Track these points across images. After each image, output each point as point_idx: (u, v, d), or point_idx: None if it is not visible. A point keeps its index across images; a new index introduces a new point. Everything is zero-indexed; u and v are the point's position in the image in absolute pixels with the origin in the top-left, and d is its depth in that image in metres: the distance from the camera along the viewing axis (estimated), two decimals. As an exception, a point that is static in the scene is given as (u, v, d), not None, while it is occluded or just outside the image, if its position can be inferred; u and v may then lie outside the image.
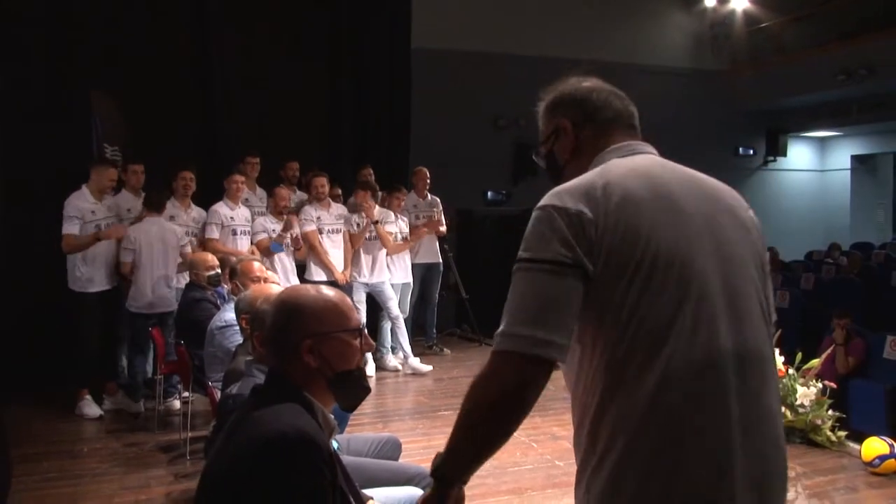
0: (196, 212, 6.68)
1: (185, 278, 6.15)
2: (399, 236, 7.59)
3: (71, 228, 5.89)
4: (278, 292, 2.06)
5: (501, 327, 1.50)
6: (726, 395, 1.46)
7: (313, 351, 1.84)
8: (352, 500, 1.84)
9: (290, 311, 1.89)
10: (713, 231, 1.56)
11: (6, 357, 6.29)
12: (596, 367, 1.50)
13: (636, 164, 1.63)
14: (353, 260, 7.39)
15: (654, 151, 1.76)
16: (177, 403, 5.99)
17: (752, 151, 15.01)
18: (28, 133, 6.92)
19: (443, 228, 8.18)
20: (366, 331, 1.97)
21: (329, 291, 1.96)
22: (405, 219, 7.83)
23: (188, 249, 6.26)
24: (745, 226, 1.66)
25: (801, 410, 5.18)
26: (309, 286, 2.01)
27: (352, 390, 1.92)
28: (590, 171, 1.63)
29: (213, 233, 6.59)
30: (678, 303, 1.45)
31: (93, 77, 7.28)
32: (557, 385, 5.95)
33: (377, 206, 7.41)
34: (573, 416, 1.66)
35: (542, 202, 1.60)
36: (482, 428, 1.55)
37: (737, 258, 1.56)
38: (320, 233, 7.20)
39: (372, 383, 7.03)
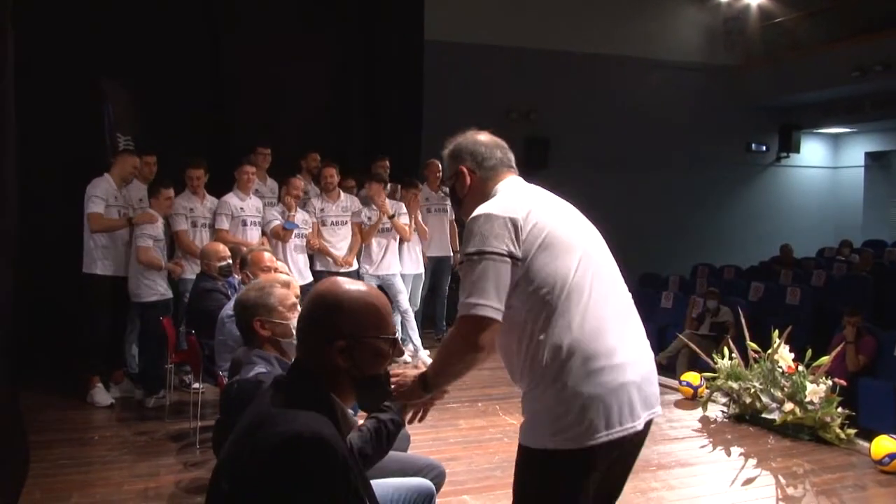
0: (211, 202, 6.72)
1: (196, 268, 6.19)
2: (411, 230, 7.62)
3: (97, 208, 5.96)
4: (318, 283, 2.00)
5: (469, 299, 2.09)
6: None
7: (345, 352, 1.79)
8: (367, 500, 1.82)
9: (329, 306, 1.83)
10: (580, 223, 2.36)
11: (18, 344, 6.33)
12: (536, 316, 2.10)
13: (527, 189, 2.36)
14: (363, 252, 7.41)
15: (522, 180, 2.43)
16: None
17: (764, 148, 14.94)
18: (41, 120, 6.93)
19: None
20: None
21: (371, 291, 1.88)
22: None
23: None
24: (590, 224, 2.42)
25: (810, 407, 5.17)
26: (347, 281, 1.90)
27: (376, 394, 1.90)
28: (499, 194, 2.31)
29: (224, 223, 6.62)
30: (580, 275, 2.16)
31: (105, 66, 7.30)
32: (566, 379, 5.76)
33: (387, 200, 7.41)
34: (505, 357, 2.24)
35: (486, 212, 2.16)
36: (456, 368, 2.20)
37: (596, 236, 2.38)
38: (323, 224, 7.23)
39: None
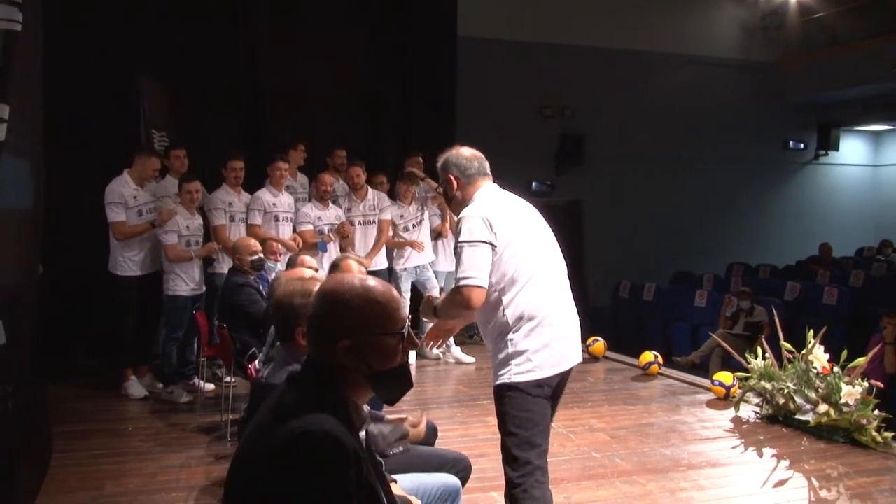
0: (246, 197, 6.78)
1: (227, 263, 6.27)
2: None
3: (117, 216, 6.01)
4: (324, 280, 2.01)
5: (462, 275, 2.88)
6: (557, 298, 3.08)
7: (350, 352, 1.78)
8: (382, 495, 1.82)
9: (331, 304, 1.83)
10: (537, 223, 3.14)
11: (55, 336, 6.44)
12: (502, 289, 2.94)
13: (498, 193, 3.17)
14: (396, 248, 7.44)
15: (496, 185, 3.22)
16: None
17: (802, 145, 14.71)
18: (78, 116, 7.04)
19: None
20: (409, 328, 1.89)
21: (376, 286, 1.86)
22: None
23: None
24: (543, 220, 3.19)
25: (845, 409, 5.08)
26: (356, 277, 1.90)
27: (392, 387, 1.89)
28: (476, 199, 3.10)
29: (256, 219, 6.68)
30: (531, 260, 2.98)
31: (141, 63, 7.39)
32: (597, 378, 5.99)
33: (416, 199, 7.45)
34: (481, 320, 3.07)
35: (472, 215, 2.97)
36: (454, 315, 3.09)
37: (546, 231, 3.16)
38: (350, 224, 7.25)
39: (413, 371, 7.08)
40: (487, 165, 3.26)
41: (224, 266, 6.60)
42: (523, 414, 2.93)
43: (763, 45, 13.83)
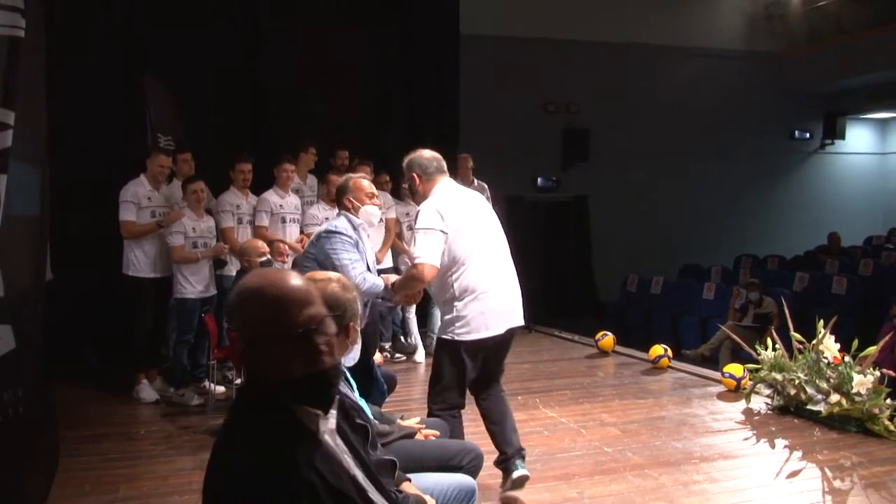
0: (254, 199, 6.79)
1: (237, 266, 6.28)
2: None
3: (128, 214, 6.03)
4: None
5: (419, 254, 3.55)
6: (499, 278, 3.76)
7: (251, 358, 1.65)
8: (367, 488, 1.77)
9: (233, 301, 1.70)
10: (483, 213, 3.84)
11: (65, 340, 6.46)
12: (451, 267, 3.64)
13: (452, 188, 3.83)
14: (405, 247, 7.43)
15: (453, 180, 3.90)
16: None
17: (808, 135, 14.66)
18: (84, 120, 7.05)
19: None
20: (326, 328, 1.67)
21: (271, 281, 1.67)
22: None
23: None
24: (489, 208, 3.93)
25: (857, 399, 5.06)
26: (263, 272, 1.74)
27: (323, 393, 1.70)
28: (434, 193, 3.75)
29: (263, 220, 6.69)
30: (475, 244, 3.66)
31: (146, 65, 7.41)
32: (607, 373, 5.99)
33: None
34: (435, 290, 3.78)
35: (428, 207, 3.66)
36: (410, 287, 3.80)
37: (491, 217, 3.86)
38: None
39: (421, 369, 7.09)
40: (445, 165, 3.89)
41: (234, 268, 6.62)
42: (454, 366, 3.70)
43: (767, 35, 13.79)
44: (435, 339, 3.88)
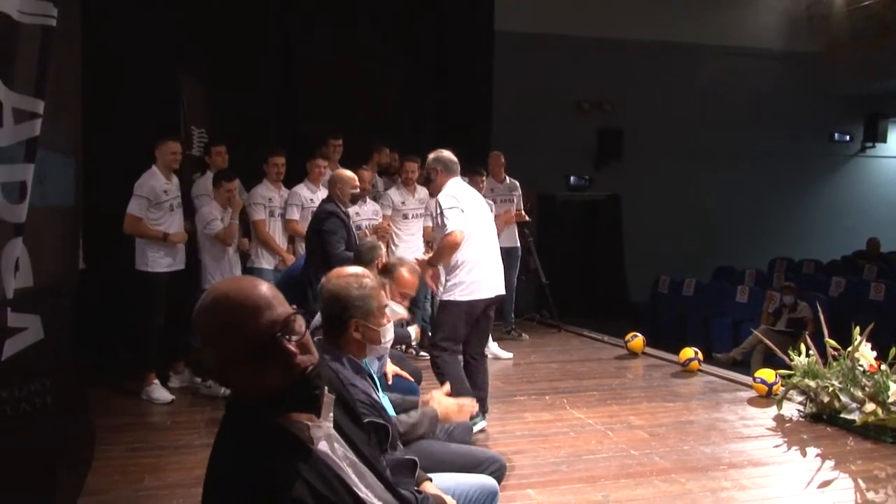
0: (286, 193, 6.83)
1: (271, 259, 6.53)
2: None
3: (136, 209, 5.84)
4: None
5: (449, 225, 4.69)
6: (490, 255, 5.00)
7: (222, 369, 1.60)
8: (366, 496, 1.73)
9: (200, 324, 1.63)
10: (480, 204, 5.06)
11: (97, 332, 6.52)
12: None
13: (463, 184, 5.06)
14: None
15: (460, 179, 5.08)
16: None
17: (848, 137, 14.38)
18: (117, 112, 7.11)
19: (521, 214, 8.14)
20: (282, 335, 1.57)
21: (227, 289, 1.61)
22: (490, 203, 7.84)
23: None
24: (484, 201, 5.28)
25: (893, 408, 4.94)
26: (225, 281, 1.69)
27: (305, 403, 1.62)
28: (448, 185, 4.91)
29: (294, 214, 6.72)
30: (473, 227, 4.84)
31: (180, 58, 7.47)
32: (636, 374, 5.92)
33: None
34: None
35: (447, 193, 4.82)
36: (445, 255, 4.79)
37: (486, 211, 5.18)
38: (405, 217, 7.41)
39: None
40: (458, 166, 5.08)
41: (262, 261, 6.66)
42: (455, 320, 4.82)
43: (808, 35, 13.54)
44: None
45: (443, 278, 5.03)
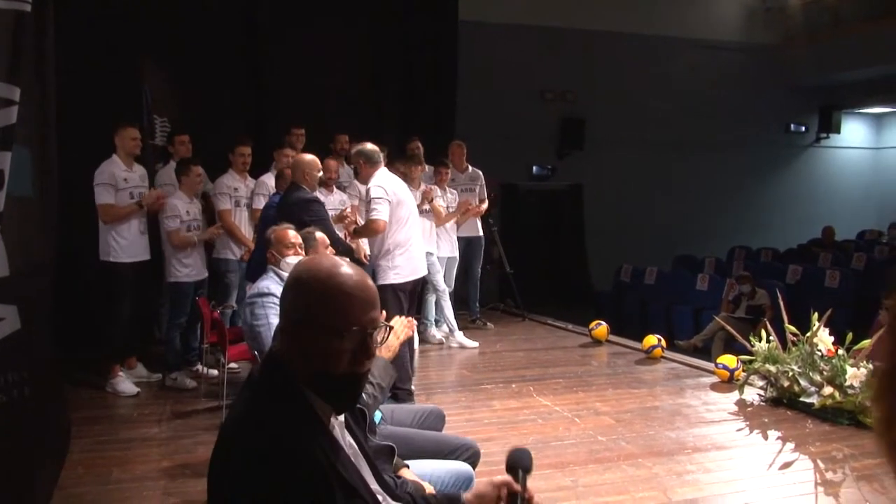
0: (251, 183, 6.78)
1: (236, 250, 6.41)
2: (447, 210, 7.65)
3: (106, 197, 5.78)
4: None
5: (374, 213, 5.31)
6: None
7: (291, 340, 1.63)
8: (366, 473, 1.75)
9: (290, 282, 1.67)
10: (406, 192, 5.65)
11: (57, 321, 6.39)
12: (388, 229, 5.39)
13: (389, 175, 5.58)
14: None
15: (386, 169, 5.63)
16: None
17: (803, 128, 14.67)
18: (78, 100, 6.96)
19: (484, 206, 8.17)
20: (372, 335, 1.64)
21: (345, 274, 1.62)
22: (453, 192, 7.88)
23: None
24: (409, 190, 5.82)
25: (850, 391, 5.09)
26: (330, 259, 1.70)
27: (333, 396, 1.65)
28: (374, 177, 5.43)
29: (261, 203, 6.66)
30: (403, 213, 5.46)
31: (143, 47, 7.34)
32: (600, 362, 6.01)
33: (422, 183, 7.43)
34: (377, 243, 5.50)
35: (375, 184, 5.38)
36: (367, 235, 5.60)
37: (412, 198, 5.77)
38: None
39: (416, 357, 7.08)
40: (382, 156, 5.62)
41: (227, 252, 6.60)
42: (394, 301, 5.14)
43: (765, 27, 13.75)
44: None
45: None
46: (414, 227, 5.55)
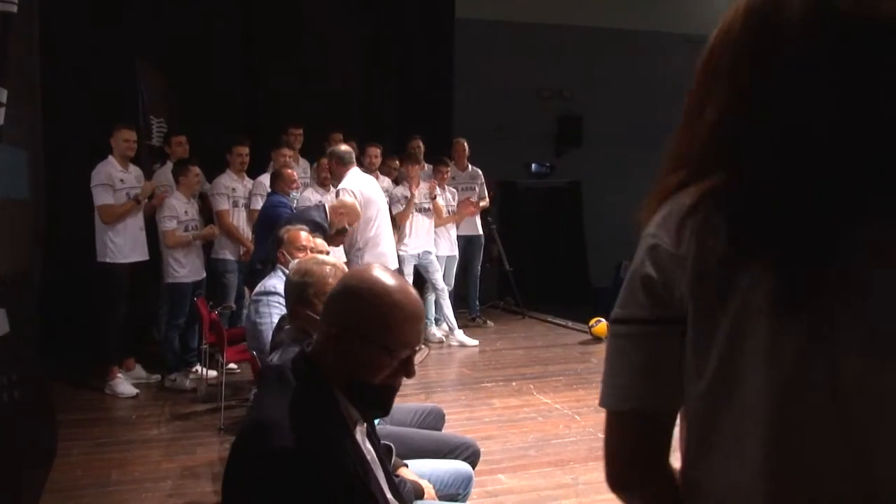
0: (249, 183, 6.76)
1: (235, 249, 6.46)
2: (447, 209, 7.64)
3: (105, 198, 5.76)
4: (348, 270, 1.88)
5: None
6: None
7: (336, 344, 1.64)
8: (382, 481, 1.76)
9: (343, 288, 1.70)
10: (378, 191, 6.03)
11: (57, 323, 6.39)
12: (360, 226, 5.73)
13: (361, 174, 5.89)
14: (401, 232, 7.39)
15: (358, 168, 5.97)
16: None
17: (802, 124, 14.64)
18: (74, 102, 6.94)
19: (484, 203, 8.17)
20: (411, 357, 1.69)
21: (402, 293, 1.66)
22: (453, 191, 7.87)
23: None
24: (380, 189, 6.26)
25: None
26: (390, 274, 1.70)
27: (365, 403, 1.70)
28: (347, 177, 5.66)
29: (260, 203, 6.64)
30: (374, 211, 5.76)
31: (138, 48, 7.32)
32: (600, 359, 5.91)
33: (422, 181, 7.42)
34: (347, 243, 5.70)
35: (346, 185, 5.59)
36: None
37: (383, 197, 6.17)
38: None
39: (416, 356, 7.08)
40: (354, 156, 5.89)
41: (226, 252, 6.58)
42: None
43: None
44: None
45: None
46: (383, 225, 5.80)
